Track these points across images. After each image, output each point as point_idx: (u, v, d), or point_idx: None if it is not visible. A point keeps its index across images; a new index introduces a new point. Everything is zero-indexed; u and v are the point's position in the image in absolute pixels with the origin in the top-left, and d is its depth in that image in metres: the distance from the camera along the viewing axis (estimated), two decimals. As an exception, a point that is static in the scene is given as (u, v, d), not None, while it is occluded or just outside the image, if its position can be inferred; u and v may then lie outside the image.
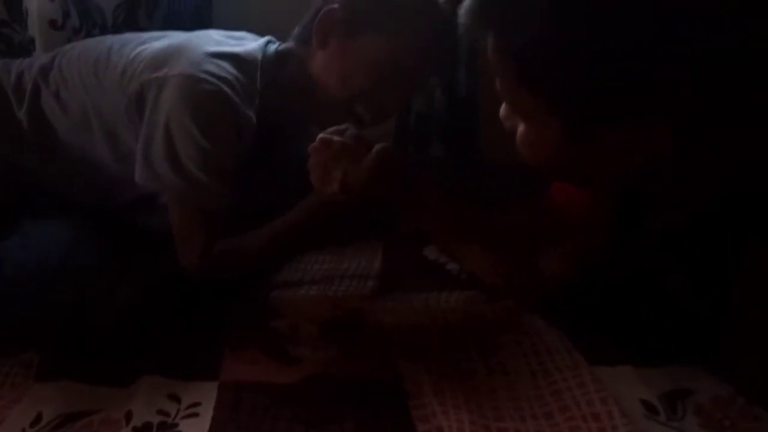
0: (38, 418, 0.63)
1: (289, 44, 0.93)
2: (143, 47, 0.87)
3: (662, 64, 0.51)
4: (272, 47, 0.92)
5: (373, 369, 0.70)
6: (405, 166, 0.76)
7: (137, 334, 0.75)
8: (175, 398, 0.66)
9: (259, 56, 0.89)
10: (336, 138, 0.73)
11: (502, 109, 0.63)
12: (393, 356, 0.72)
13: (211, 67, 0.81)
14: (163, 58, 0.83)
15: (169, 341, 0.75)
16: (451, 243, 0.82)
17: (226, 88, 0.81)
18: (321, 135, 0.74)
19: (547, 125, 0.58)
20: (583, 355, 0.69)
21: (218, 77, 0.81)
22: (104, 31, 1.13)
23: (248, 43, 0.91)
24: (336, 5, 0.87)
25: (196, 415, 0.63)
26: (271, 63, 0.89)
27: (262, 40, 0.93)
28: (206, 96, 0.79)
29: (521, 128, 0.61)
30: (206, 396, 0.66)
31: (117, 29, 1.14)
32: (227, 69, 0.83)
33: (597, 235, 0.73)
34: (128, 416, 0.63)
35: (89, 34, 1.11)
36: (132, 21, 1.16)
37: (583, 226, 0.73)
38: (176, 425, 0.62)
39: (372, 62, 0.85)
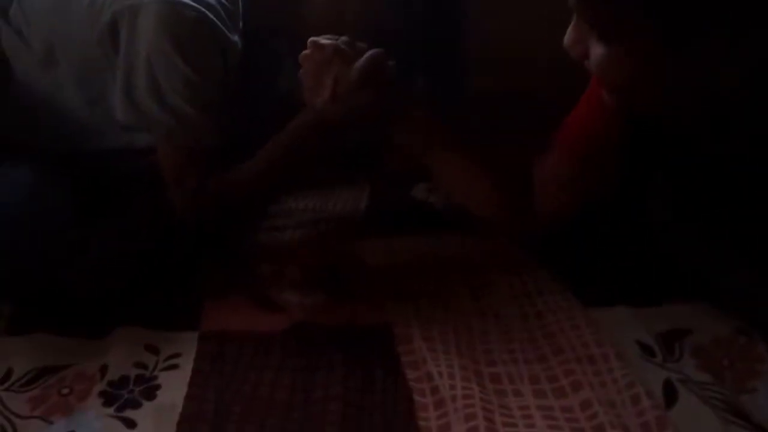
0: (8, 373, 0.60)
1: None
2: None
3: None
4: None
5: (362, 314, 0.68)
6: (395, 75, 0.73)
7: (113, 285, 0.71)
8: (154, 349, 0.63)
9: None
10: (327, 41, 0.72)
11: (570, 35, 0.57)
12: (381, 300, 0.70)
13: None
14: None
15: (147, 290, 0.72)
16: (441, 169, 0.78)
17: (209, 14, 0.75)
18: (312, 39, 0.73)
19: (633, 45, 0.52)
20: (577, 297, 0.67)
21: (200, 1, 0.75)
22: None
23: None
24: None
25: (175, 366, 0.61)
26: None
27: None
28: (189, 23, 0.73)
29: (599, 52, 0.54)
30: (186, 347, 0.63)
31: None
32: None
33: (605, 172, 0.69)
34: (103, 370, 0.60)
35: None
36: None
37: (592, 162, 0.69)
38: (155, 378, 0.59)
39: None
